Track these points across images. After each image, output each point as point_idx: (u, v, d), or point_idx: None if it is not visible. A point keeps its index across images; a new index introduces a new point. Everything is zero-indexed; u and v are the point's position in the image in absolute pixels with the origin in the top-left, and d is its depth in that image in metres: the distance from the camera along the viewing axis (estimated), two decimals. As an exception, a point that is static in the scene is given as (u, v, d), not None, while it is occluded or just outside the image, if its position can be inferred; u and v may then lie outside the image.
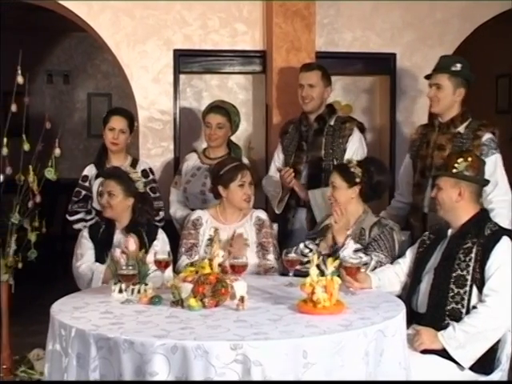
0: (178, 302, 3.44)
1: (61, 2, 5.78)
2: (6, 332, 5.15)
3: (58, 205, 8.57)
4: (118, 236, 4.45)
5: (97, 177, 5.12)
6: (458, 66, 4.56)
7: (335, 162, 4.99)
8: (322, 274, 3.43)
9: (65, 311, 3.42)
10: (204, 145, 5.61)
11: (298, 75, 5.28)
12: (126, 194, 4.48)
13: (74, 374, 3.12)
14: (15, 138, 5.04)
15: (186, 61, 6.01)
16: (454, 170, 3.85)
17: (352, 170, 4.32)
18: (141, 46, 5.91)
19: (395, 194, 5.05)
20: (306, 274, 3.47)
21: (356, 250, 4.12)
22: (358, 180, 4.32)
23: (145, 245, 4.19)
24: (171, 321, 3.24)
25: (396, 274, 4.09)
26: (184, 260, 4.42)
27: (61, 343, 3.23)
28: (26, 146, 5.03)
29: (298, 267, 4.00)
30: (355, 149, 5.02)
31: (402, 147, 5.92)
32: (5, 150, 5.01)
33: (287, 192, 5.10)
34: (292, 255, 4.01)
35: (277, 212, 5.17)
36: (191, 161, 5.39)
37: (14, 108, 5.02)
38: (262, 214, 4.62)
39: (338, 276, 3.48)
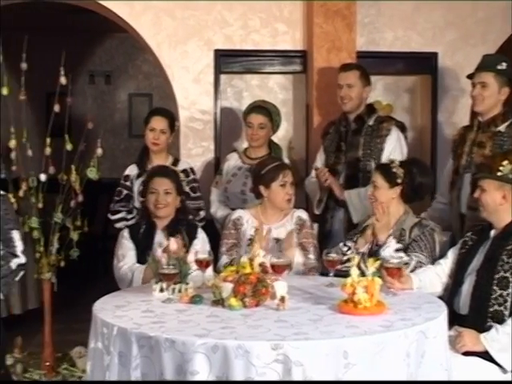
0: (219, 302, 3.45)
1: (103, 3, 5.83)
2: (49, 329, 5.22)
3: (100, 204, 8.66)
4: (158, 236, 4.47)
5: (138, 176, 5.16)
6: (504, 65, 4.52)
7: (373, 163, 4.97)
8: (363, 274, 3.42)
9: (107, 310, 3.45)
10: (245, 145, 5.63)
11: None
12: (177, 193, 4.54)
13: (116, 372, 3.14)
14: (58, 138, 5.11)
15: (227, 61, 6.03)
16: (499, 173, 3.80)
17: (394, 170, 4.29)
18: (182, 46, 5.93)
19: (436, 195, 5.01)
20: (346, 275, 3.46)
21: (397, 250, 4.10)
22: (399, 181, 4.28)
23: (185, 243, 4.25)
24: (212, 320, 3.25)
25: (437, 274, 4.05)
26: (224, 259, 4.44)
27: (103, 341, 3.25)
28: (69, 146, 5.10)
29: (338, 267, 3.98)
30: (392, 149, 4.98)
31: (443, 147, 5.88)
32: (48, 150, 5.09)
33: (326, 192, 5.09)
34: (332, 255, 3.99)
35: (316, 212, 5.17)
36: (232, 160, 5.40)
37: (57, 108, 5.09)
38: (303, 214, 4.60)
39: (379, 277, 3.46)
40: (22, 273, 3.73)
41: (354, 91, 5.09)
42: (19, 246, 3.69)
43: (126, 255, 4.43)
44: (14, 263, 3.63)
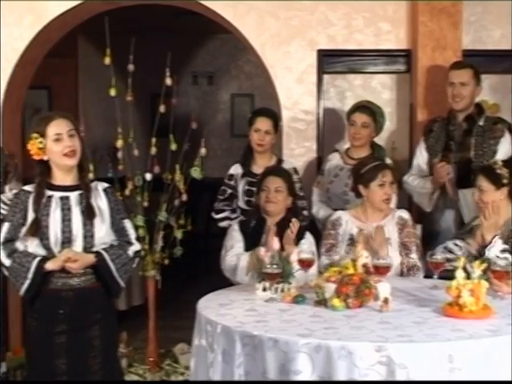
0: (322, 302, 3.46)
1: (207, 5, 5.90)
2: (153, 326, 5.33)
3: (202, 203, 8.77)
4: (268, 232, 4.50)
5: (243, 176, 5.19)
6: None
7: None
8: (469, 276, 3.36)
9: (211, 307, 3.50)
10: (347, 145, 5.60)
11: (443, 74, 5.19)
12: (288, 193, 4.59)
13: (220, 369, 3.19)
14: (162, 138, 5.20)
15: (330, 61, 6.00)
16: None
17: (498, 171, 4.21)
18: (285, 46, 5.94)
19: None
20: (451, 277, 3.41)
21: (503, 250, 4.01)
22: (505, 181, 4.19)
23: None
24: (315, 320, 3.26)
25: (547, 279, 3.94)
26: (324, 261, 4.44)
27: (207, 339, 3.31)
28: (174, 146, 5.19)
29: (446, 264, 3.92)
30: (506, 151, 4.89)
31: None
32: (153, 150, 5.19)
33: (437, 189, 5.01)
34: (437, 257, 3.94)
35: (427, 210, 5.09)
36: (334, 161, 5.38)
37: (162, 109, 5.19)
38: (405, 214, 4.56)
39: (486, 280, 3.39)
40: (137, 260, 3.82)
41: (467, 90, 5.01)
42: (132, 233, 3.77)
43: (234, 246, 4.52)
44: (131, 251, 3.71)
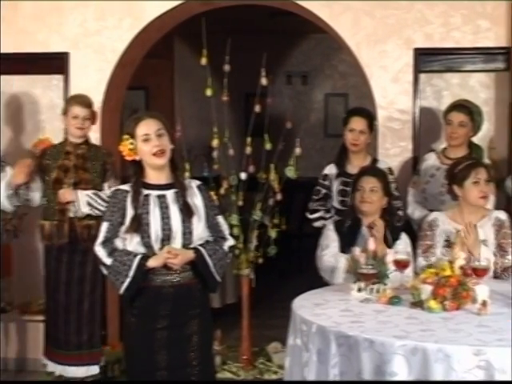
0: (418, 304, 3.42)
1: (303, 5, 5.91)
2: (247, 324, 5.38)
3: (296, 203, 8.78)
4: (363, 232, 4.48)
5: (337, 176, 5.18)
6: None
7: None
8: None
9: (306, 307, 3.51)
10: (443, 145, 5.52)
11: (543, 72, 5.07)
12: (384, 193, 4.55)
13: (314, 369, 3.19)
14: (256, 138, 5.24)
15: (427, 59, 5.92)
16: None
17: None
18: (381, 45, 5.89)
19: None
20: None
21: None
22: None
23: (388, 243, 4.28)
24: (411, 322, 3.23)
25: None
26: (420, 262, 4.39)
27: (302, 338, 3.31)
28: (268, 145, 5.22)
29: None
30: None
31: None
32: (248, 149, 5.23)
33: None
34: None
35: None
36: (430, 161, 5.32)
37: (257, 109, 5.23)
38: (502, 215, 4.48)
39: None
40: (231, 254, 3.85)
41: None
42: (226, 229, 3.80)
43: (330, 246, 4.51)
44: (226, 246, 3.75)
